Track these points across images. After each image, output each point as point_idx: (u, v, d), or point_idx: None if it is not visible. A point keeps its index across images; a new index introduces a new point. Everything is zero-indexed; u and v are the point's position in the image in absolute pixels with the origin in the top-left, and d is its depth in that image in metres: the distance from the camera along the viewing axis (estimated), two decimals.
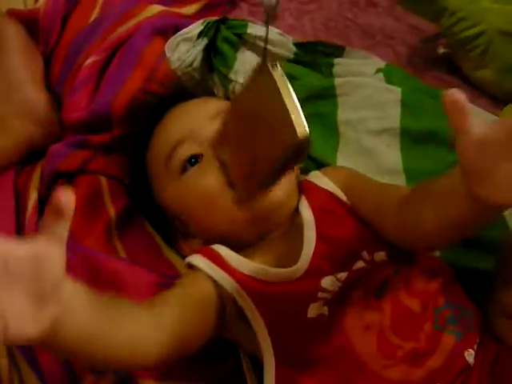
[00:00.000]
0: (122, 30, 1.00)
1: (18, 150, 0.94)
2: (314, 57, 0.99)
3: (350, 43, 1.06)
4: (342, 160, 0.87)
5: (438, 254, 0.74)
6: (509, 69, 0.97)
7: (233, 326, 0.66)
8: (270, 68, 0.55)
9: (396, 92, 0.91)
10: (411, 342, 0.62)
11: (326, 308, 0.63)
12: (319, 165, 0.84)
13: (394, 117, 0.88)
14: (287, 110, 0.53)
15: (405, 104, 0.89)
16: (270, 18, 0.56)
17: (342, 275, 0.65)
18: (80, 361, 0.62)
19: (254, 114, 0.57)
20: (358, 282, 0.65)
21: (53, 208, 0.44)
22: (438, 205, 0.59)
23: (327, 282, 0.65)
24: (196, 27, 0.97)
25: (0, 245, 0.42)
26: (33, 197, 0.88)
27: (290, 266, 0.66)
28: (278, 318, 0.63)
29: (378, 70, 0.96)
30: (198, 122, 0.75)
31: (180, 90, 0.85)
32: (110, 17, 1.03)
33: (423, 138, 0.86)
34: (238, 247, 0.69)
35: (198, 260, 0.68)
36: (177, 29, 0.99)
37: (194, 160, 0.73)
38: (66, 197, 0.44)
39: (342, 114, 0.90)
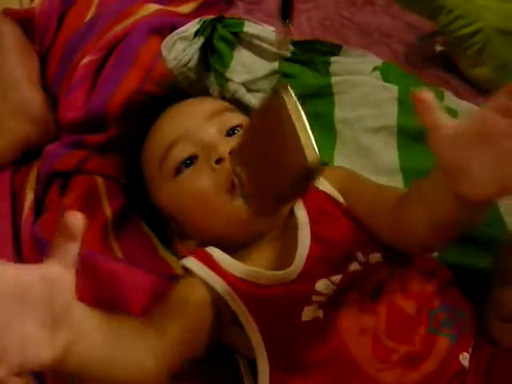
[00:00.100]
0: (118, 28, 0.99)
1: (14, 150, 0.94)
2: (311, 55, 0.98)
3: (346, 42, 1.06)
4: (339, 159, 0.86)
5: (435, 253, 0.73)
6: (505, 66, 0.96)
7: (228, 331, 0.66)
8: (283, 93, 0.55)
9: (393, 90, 0.90)
10: (406, 346, 0.62)
11: (320, 311, 0.63)
12: None
13: (390, 115, 0.88)
14: (298, 136, 0.53)
15: (402, 102, 0.89)
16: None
17: (337, 278, 0.65)
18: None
19: (267, 135, 0.57)
20: (353, 284, 0.65)
21: (62, 231, 0.44)
22: (427, 204, 0.59)
23: (321, 285, 0.64)
24: (192, 26, 0.97)
25: (13, 270, 0.42)
26: (29, 197, 0.88)
27: (284, 269, 0.65)
28: (271, 321, 0.63)
29: (375, 68, 0.95)
30: (192, 122, 0.75)
31: (175, 90, 0.85)
32: (106, 16, 1.02)
33: (420, 135, 0.85)
34: (234, 248, 0.69)
35: (191, 263, 0.67)
36: (173, 28, 0.99)
37: (188, 161, 0.73)
38: (76, 220, 0.44)
39: (339, 113, 0.90)
